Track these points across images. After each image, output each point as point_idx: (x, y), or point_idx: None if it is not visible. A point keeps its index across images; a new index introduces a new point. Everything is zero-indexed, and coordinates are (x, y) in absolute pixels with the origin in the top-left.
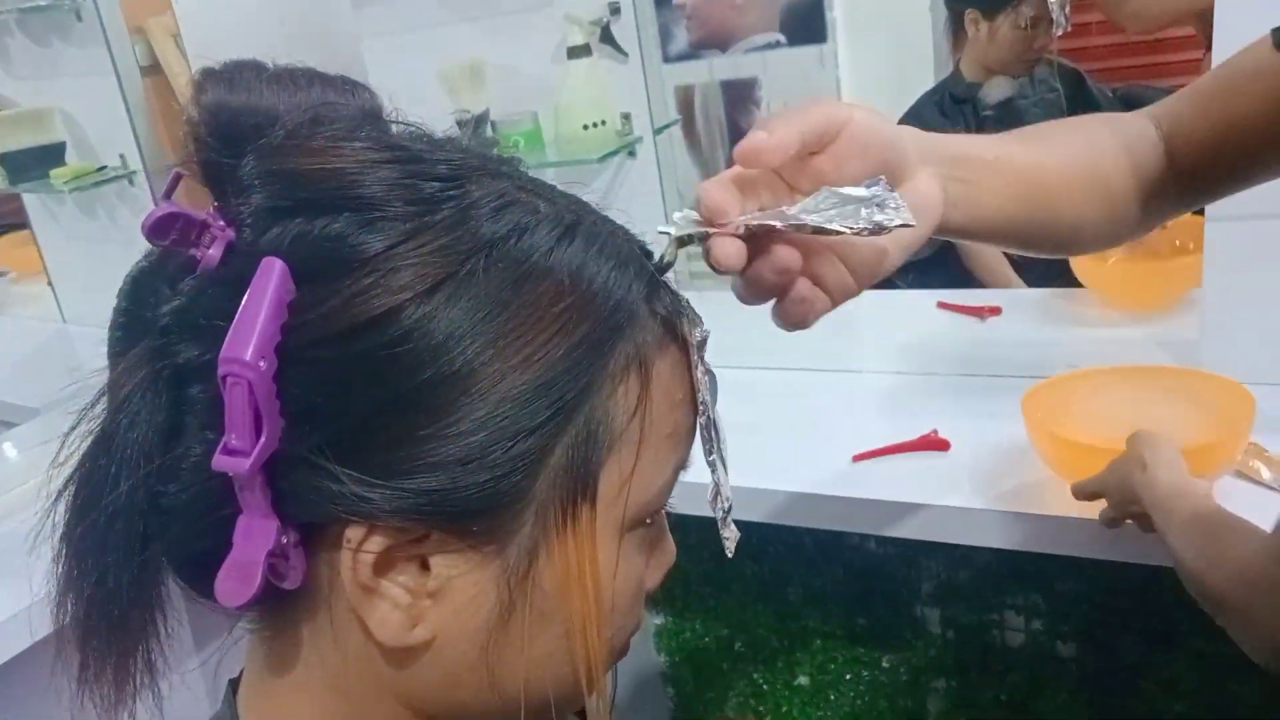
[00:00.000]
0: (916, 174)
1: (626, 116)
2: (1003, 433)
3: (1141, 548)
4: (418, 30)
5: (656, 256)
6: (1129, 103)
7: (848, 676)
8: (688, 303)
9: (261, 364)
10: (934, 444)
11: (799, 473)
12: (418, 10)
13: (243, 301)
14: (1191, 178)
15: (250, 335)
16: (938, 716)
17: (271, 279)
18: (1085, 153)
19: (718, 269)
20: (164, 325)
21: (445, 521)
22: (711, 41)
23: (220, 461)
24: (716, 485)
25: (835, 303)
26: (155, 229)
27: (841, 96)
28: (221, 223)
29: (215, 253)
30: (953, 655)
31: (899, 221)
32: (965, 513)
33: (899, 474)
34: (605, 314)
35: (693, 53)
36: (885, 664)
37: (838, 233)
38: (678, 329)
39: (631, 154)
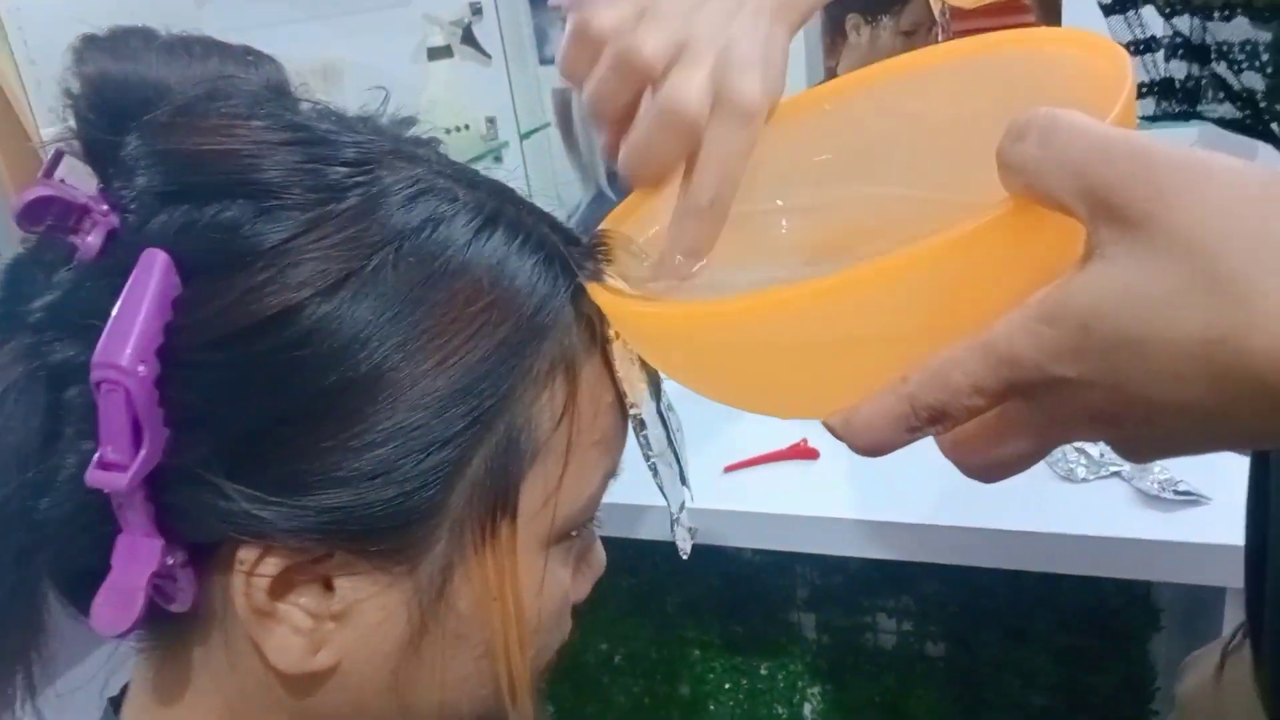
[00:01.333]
0: None
1: (491, 120)
2: None
3: (1002, 552)
4: (266, 27)
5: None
6: None
7: (727, 685)
8: None
9: (141, 369)
10: (804, 453)
11: None
12: (263, 7)
13: (120, 298)
14: None
15: (128, 337)
16: None
17: (153, 274)
18: None
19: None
20: (36, 321)
21: (349, 541)
22: None
23: (95, 477)
24: (661, 488)
25: None
26: (28, 213)
27: None
28: (105, 207)
29: (95, 241)
30: (828, 659)
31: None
32: (835, 523)
33: (769, 484)
34: (528, 314)
35: None
36: (763, 671)
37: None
38: (600, 328)
39: (497, 159)
